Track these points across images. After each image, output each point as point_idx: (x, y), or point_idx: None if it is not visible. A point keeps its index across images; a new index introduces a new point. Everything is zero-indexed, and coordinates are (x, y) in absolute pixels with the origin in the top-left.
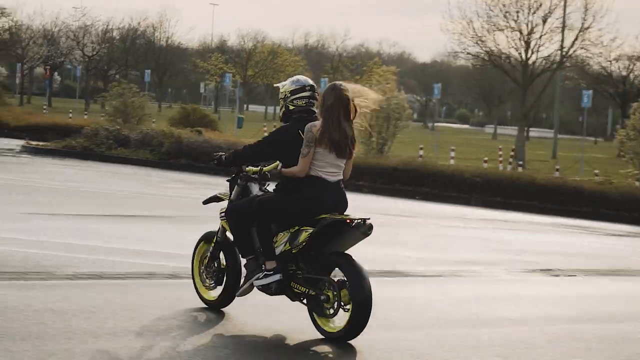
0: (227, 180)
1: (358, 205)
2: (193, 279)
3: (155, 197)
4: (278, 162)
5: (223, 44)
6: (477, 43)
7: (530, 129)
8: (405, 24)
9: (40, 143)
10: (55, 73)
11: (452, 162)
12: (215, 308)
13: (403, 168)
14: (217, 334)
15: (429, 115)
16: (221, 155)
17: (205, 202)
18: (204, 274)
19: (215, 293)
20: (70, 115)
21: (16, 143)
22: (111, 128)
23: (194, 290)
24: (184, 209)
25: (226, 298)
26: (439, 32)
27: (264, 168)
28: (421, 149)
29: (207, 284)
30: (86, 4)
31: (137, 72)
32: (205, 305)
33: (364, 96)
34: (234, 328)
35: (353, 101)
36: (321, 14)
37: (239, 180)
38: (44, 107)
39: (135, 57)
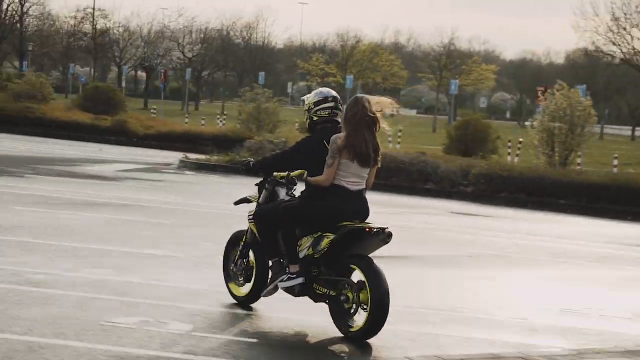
0: (256, 184)
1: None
2: (224, 275)
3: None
4: (304, 170)
5: (318, 44)
6: (613, 41)
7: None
8: (492, 22)
9: (201, 157)
10: (144, 74)
11: None
12: (244, 304)
13: (604, 183)
14: (244, 329)
15: (525, 114)
16: (250, 161)
17: (236, 203)
18: (234, 271)
19: (244, 290)
20: (187, 120)
21: (164, 155)
22: (276, 140)
23: (225, 286)
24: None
25: (254, 295)
26: (527, 29)
27: (292, 173)
28: (615, 158)
29: (237, 281)
30: (181, 4)
31: (234, 74)
32: (235, 301)
33: (385, 107)
34: (260, 323)
35: (376, 113)
36: (409, 11)
37: (266, 185)
38: (152, 110)
39: (233, 58)
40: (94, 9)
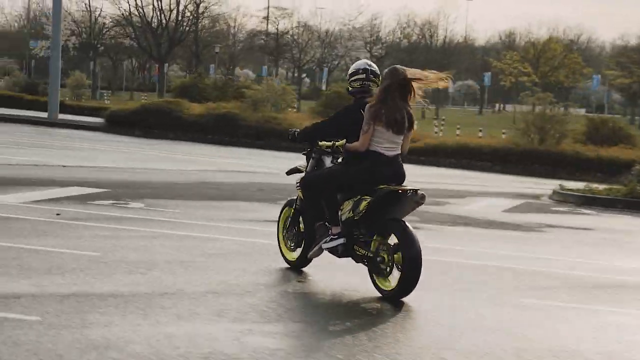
0: (303, 153)
1: None
2: (278, 241)
3: None
4: (344, 139)
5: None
6: None
7: None
8: None
9: (579, 186)
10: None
11: None
12: (296, 268)
13: None
14: (292, 290)
15: None
16: (294, 131)
17: (288, 173)
18: (286, 237)
19: (295, 254)
20: None
21: (483, 178)
22: None
23: (279, 251)
24: None
25: (304, 259)
26: None
27: (336, 143)
28: None
29: (288, 246)
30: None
31: None
32: (287, 265)
33: (423, 79)
34: (309, 285)
35: (411, 83)
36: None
37: (313, 154)
38: None
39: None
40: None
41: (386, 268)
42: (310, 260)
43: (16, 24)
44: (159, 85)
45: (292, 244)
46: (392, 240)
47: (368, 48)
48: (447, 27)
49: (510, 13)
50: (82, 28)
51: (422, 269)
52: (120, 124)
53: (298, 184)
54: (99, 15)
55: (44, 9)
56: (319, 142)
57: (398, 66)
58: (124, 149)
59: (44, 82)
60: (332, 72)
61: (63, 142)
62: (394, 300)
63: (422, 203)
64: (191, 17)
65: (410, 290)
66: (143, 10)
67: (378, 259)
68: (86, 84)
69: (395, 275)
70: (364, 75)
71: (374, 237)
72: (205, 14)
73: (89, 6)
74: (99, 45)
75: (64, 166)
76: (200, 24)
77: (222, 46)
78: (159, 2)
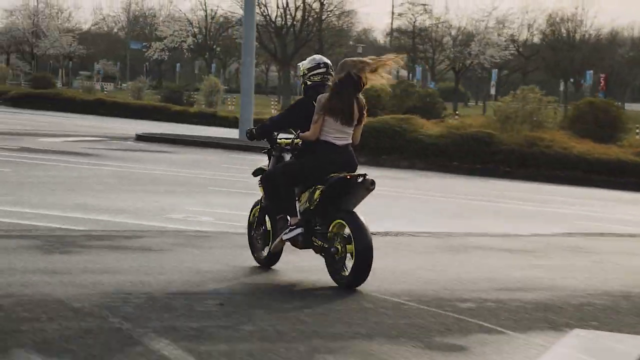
0: (264, 152)
1: None
2: (248, 240)
3: None
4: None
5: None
6: None
7: None
8: None
9: None
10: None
11: None
12: (266, 266)
13: None
14: (256, 283)
15: None
16: (252, 129)
17: (254, 174)
18: (254, 236)
19: (264, 252)
20: None
21: None
22: None
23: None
24: None
25: (273, 257)
26: None
27: (295, 140)
28: None
29: (257, 244)
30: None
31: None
32: (257, 264)
33: (377, 64)
34: (274, 280)
35: (363, 74)
36: None
37: (273, 152)
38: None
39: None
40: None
41: (340, 258)
42: (278, 257)
43: (114, 25)
44: (280, 88)
45: (260, 242)
46: (346, 231)
47: (515, 46)
48: (587, 21)
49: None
50: (197, 28)
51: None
52: None
53: (260, 181)
54: (215, 14)
55: (144, 9)
56: (278, 140)
57: (348, 59)
58: (404, 193)
59: (185, 87)
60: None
61: None
62: (348, 289)
63: (373, 189)
64: (315, 15)
65: (363, 280)
66: (267, 9)
67: (332, 249)
68: (221, 89)
69: (348, 265)
70: (324, 69)
71: (330, 230)
72: (333, 11)
73: (205, 5)
74: (215, 47)
75: None
76: (325, 22)
77: (363, 46)
78: (284, 0)
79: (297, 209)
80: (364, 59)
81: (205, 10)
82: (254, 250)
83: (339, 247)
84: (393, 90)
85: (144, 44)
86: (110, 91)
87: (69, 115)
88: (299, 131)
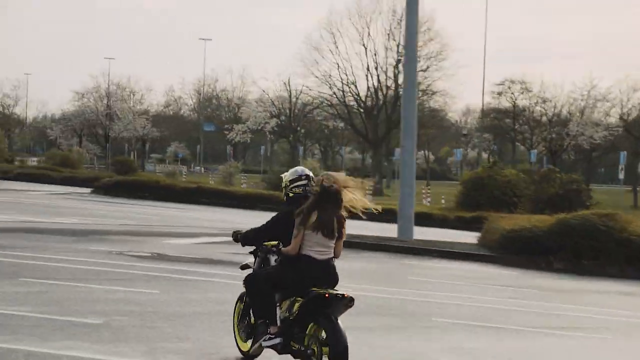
0: (250, 252)
1: None
2: (234, 332)
3: None
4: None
5: None
6: None
7: None
8: None
9: None
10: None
11: None
12: (248, 358)
13: None
14: None
15: None
16: (237, 233)
17: (242, 268)
18: (239, 328)
19: (248, 345)
20: None
21: None
22: None
23: (234, 342)
24: None
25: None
26: None
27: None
28: None
29: (241, 336)
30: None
31: None
32: (241, 355)
33: (351, 187)
34: None
35: (341, 191)
36: None
37: (259, 253)
38: None
39: None
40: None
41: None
42: (261, 352)
43: (186, 107)
44: (372, 171)
45: (244, 335)
46: (323, 334)
47: (622, 125)
48: None
49: None
50: (280, 109)
51: None
52: (515, 248)
53: (244, 281)
54: (300, 93)
55: (216, 90)
56: (264, 242)
57: (329, 173)
58: None
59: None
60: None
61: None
62: None
63: (352, 305)
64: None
65: None
66: (357, 88)
67: (309, 351)
68: (239, 169)
69: None
70: (306, 182)
71: (307, 332)
72: (427, 90)
73: (289, 85)
74: (299, 128)
75: None
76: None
77: (468, 127)
78: (375, 78)
79: (277, 316)
80: (345, 177)
81: (289, 91)
82: (237, 340)
83: (315, 349)
84: (531, 177)
85: (225, 126)
86: (186, 174)
87: (171, 205)
88: (280, 245)
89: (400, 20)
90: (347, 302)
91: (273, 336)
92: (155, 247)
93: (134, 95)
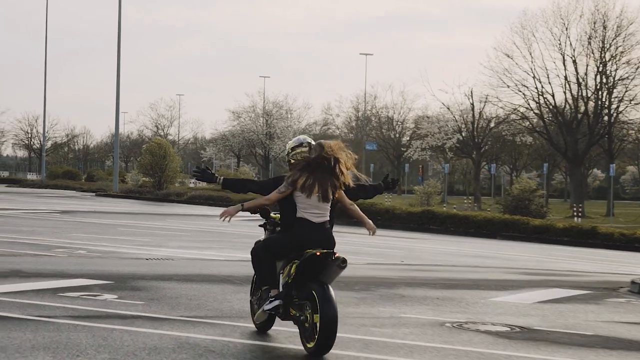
0: (260, 226)
1: None
2: (251, 307)
3: None
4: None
5: None
6: None
7: None
8: None
9: None
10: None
11: None
12: (261, 330)
13: None
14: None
15: None
16: (218, 177)
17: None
18: (252, 302)
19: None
20: None
21: None
22: None
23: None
24: None
25: (267, 323)
26: None
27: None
28: None
29: (254, 309)
30: None
31: None
32: (255, 328)
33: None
34: (261, 343)
35: (335, 157)
36: None
37: (267, 226)
38: None
39: None
40: None
41: (309, 327)
42: (271, 323)
43: (343, 126)
44: (574, 193)
45: (256, 307)
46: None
47: None
48: None
49: None
50: (461, 124)
51: None
52: None
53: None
54: (485, 105)
55: (375, 107)
56: (272, 215)
57: (323, 141)
58: None
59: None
60: None
61: None
62: (315, 358)
63: (345, 267)
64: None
65: (326, 351)
66: (553, 98)
67: (302, 318)
68: (438, 190)
69: (315, 335)
70: (306, 149)
71: (305, 300)
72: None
73: (471, 97)
74: (483, 145)
75: None
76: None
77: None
78: (574, 88)
79: (279, 282)
80: (339, 147)
81: (472, 104)
82: (252, 314)
83: (308, 315)
84: None
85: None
86: None
87: (395, 233)
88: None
89: (604, 23)
90: (339, 262)
91: (273, 299)
92: (496, 312)
93: (291, 113)
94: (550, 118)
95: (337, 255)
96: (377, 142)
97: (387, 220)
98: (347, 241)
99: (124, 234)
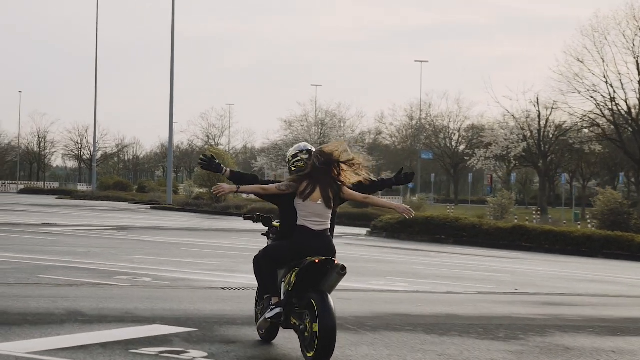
0: (263, 234)
1: None
2: (255, 317)
3: None
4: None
5: None
6: None
7: None
8: None
9: None
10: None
11: None
12: (265, 340)
13: None
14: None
15: None
16: (231, 170)
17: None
18: (256, 311)
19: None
20: None
21: None
22: None
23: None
24: None
25: (271, 333)
26: None
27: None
28: None
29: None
30: None
31: None
32: (259, 338)
33: (353, 162)
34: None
35: (338, 163)
36: None
37: (270, 234)
38: None
39: None
40: None
41: (308, 336)
42: (275, 333)
43: (398, 135)
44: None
45: (260, 316)
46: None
47: None
48: None
49: None
50: (527, 132)
51: None
52: None
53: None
54: (552, 112)
55: (430, 116)
56: (274, 223)
57: (324, 146)
58: None
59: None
60: None
61: None
62: None
63: (344, 274)
64: None
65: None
66: (627, 104)
67: (301, 327)
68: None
69: (314, 344)
70: (307, 156)
71: (304, 309)
72: None
73: (537, 104)
74: (549, 154)
75: None
76: None
77: None
78: None
79: (281, 290)
80: (342, 149)
81: (538, 111)
82: (256, 323)
83: (307, 324)
84: None
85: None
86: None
87: (481, 251)
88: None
89: None
90: (339, 270)
91: (274, 306)
92: None
93: (344, 123)
94: (623, 124)
95: (336, 262)
96: (433, 151)
97: (473, 236)
98: (437, 263)
99: (189, 255)
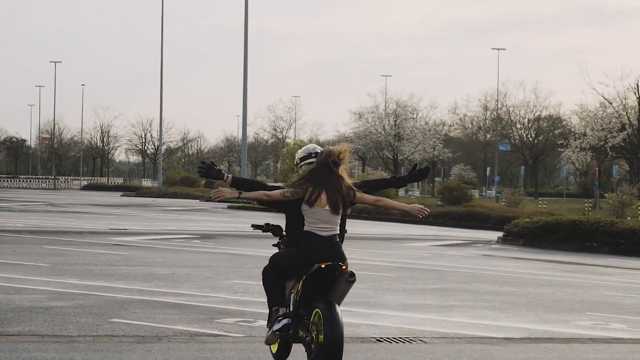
0: (273, 245)
1: None
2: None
3: None
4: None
5: None
6: None
7: None
8: None
9: None
10: None
11: None
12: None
13: None
14: None
15: None
16: (222, 173)
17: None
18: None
19: (276, 345)
20: None
21: None
22: None
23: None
24: None
25: (283, 351)
26: None
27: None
28: None
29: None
30: None
31: None
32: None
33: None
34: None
35: (342, 162)
36: None
37: (280, 245)
38: None
39: None
40: None
41: (314, 349)
42: (288, 350)
43: (472, 124)
44: None
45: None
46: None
47: None
48: None
49: None
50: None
51: None
52: None
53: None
54: None
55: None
56: (284, 232)
57: (329, 147)
58: None
59: None
60: None
61: None
62: None
63: (353, 281)
64: None
65: None
66: None
67: (308, 339)
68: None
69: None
70: (315, 159)
71: (311, 319)
72: None
73: (638, 91)
74: None
75: None
76: None
77: None
78: None
79: (290, 302)
80: (344, 150)
81: (638, 98)
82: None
83: (314, 336)
84: None
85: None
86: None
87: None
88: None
89: None
90: (347, 276)
91: (281, 317)
92: None
93: (417, 113)
94: None
95: (344, 268)
96: (512, 143)
97: (633, 244)
98: (627, 285)
99: None
